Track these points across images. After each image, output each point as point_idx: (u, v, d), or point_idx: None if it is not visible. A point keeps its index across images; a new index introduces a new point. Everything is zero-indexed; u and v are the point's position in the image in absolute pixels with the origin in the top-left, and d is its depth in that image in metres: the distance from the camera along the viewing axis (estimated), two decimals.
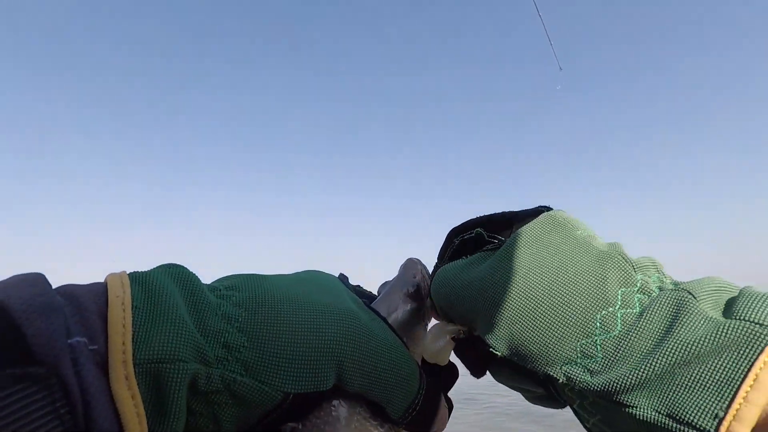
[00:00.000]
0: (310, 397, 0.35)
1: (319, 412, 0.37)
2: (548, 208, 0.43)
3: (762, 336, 0.28)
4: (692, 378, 0.29)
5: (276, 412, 0.34)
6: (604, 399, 0.33)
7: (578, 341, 0.34)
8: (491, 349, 0.38)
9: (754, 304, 0.30)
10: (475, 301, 0.40)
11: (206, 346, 0.31)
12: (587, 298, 0.35)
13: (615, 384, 0.32)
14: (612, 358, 0.33)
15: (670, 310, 0.32)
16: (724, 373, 0.28)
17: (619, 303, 0.34)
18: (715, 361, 0.29)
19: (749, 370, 0.27)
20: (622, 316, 0.34)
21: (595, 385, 0.33)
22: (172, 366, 0.29)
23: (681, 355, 0.30)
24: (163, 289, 0.31)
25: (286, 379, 0.33)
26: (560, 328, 0.35)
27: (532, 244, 0.40)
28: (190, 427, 0.31)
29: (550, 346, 0.35)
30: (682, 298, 0.32)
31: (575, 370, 0.34)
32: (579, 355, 0.34)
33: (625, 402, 0.31)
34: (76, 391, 0.25)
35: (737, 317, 0.29)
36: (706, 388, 0.29)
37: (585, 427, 0.37)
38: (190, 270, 0.35)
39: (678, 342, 0.30)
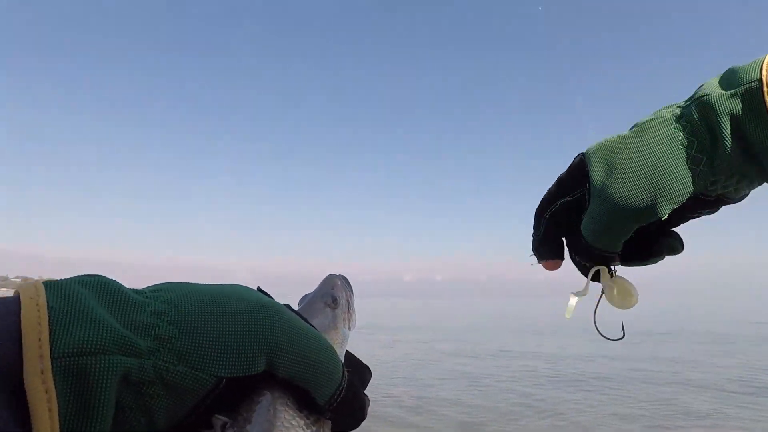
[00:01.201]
0: (241, 384, 0.36)
1: (250, 405, 0.38)
2: (583, 154, 0.53)
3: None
4: None
5: (208, 400, 0.34)
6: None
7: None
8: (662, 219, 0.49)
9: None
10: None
11: (135, 339, 0.31)
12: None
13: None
14: None
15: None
16: None
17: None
18: None
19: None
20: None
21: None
22: (95, 359, 0.28)
23: None
24: (78, 293, 0.31)
25: (219, 364, 0.34)
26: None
27: (610, 171, 0.50)
28: (120, 423, 0.31)
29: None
30: None
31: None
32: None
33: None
34: None
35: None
36: None
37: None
38: (110, 278, 0.35)
39: None
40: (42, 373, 0.27)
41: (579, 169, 0.53)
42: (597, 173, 0.51)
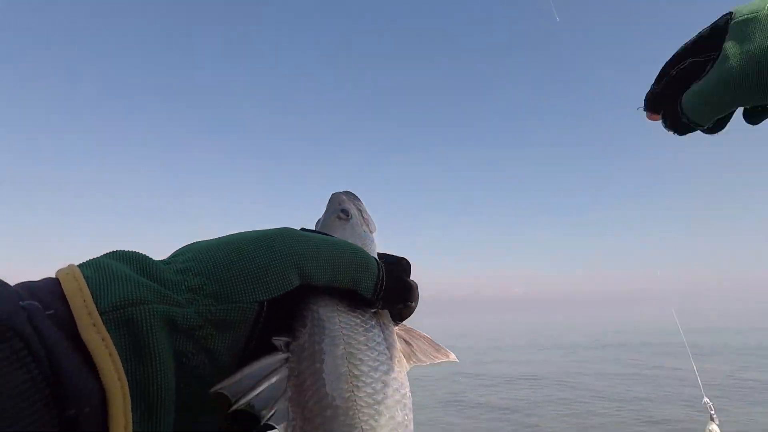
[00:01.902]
0: (286, 305, 0.39)
1: (303, 321, 0.40)
2: (730, 14, 0.52)
3: None
4: None
5: (259, 325, 0.38)
6: None
7: None
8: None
9: None
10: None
11: (170, 292, 0.34)
12: None
13: None
14: None
15: None
16: None
17: None
18: None
19: None
20: None
21: None
22: (138, 308, 0.32)
23: None
24: (107, 263, 0.34)
25: (254, 290, 0.37)
26: None
27: (744, 45, 0.49)
28: (187, 368, 0.35)
29: None
30: None
31: None
32: None
33: None
34: (35, 341, 0.27)
35: None
36: None
37: None
38: (133, 250, 0.38)
39: None
40: (94, 325, 0.30)
41: (719, 32, 0.53)
42: (732, 45, 0.50)
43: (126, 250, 0.38)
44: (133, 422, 0.30)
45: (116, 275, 0.33)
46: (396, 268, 0.45)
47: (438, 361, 0.47)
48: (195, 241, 0.42)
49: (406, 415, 0.40)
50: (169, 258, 0.40)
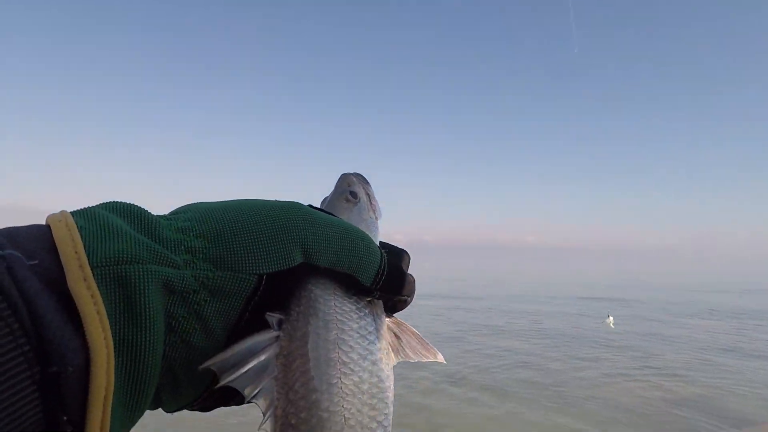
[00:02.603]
0: (284, 282, 0.37)
1: (299, 301, 0.39)
2: None
3: None
4: None
5: (255, 298, 0.36)
6: None
7: None
8: None
9: None
10: None
11: (167, 252, 0.32)
12: None
13: None
14: None
15: None
16: None
17: None
18: None
19: None
20: None
21: None
22: (133, 267, 0.29)
23: None
24: (103, 215, 0.32)
25: (255, 262, 0.36)
26: None
27: None
28: (177, 332, 0.33)
29: None
30: None
31: None
32: None
33: None
34: (15, 293, 0.25)
35: None
36: None
37: None
38: (130, 203, 0.36)
39: None
40: (85, 280, 0.27)
41: None
42: None
43: (123, 201, 0.35)
44: (115, 385, 0.28)
45: (112, 228, 0.31)
46: (397, 260, 0.44)
47: (425, 359, 0.46)
48: (197, 201, 0.40)
49: (388, 407, 0.41)
50: (169, 214, 0.38)
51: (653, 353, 7.53)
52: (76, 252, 0.28)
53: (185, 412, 0.40)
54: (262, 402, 0.36)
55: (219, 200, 0.41)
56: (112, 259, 0.29)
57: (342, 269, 0.40)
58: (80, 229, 0.30)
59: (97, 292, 0.28)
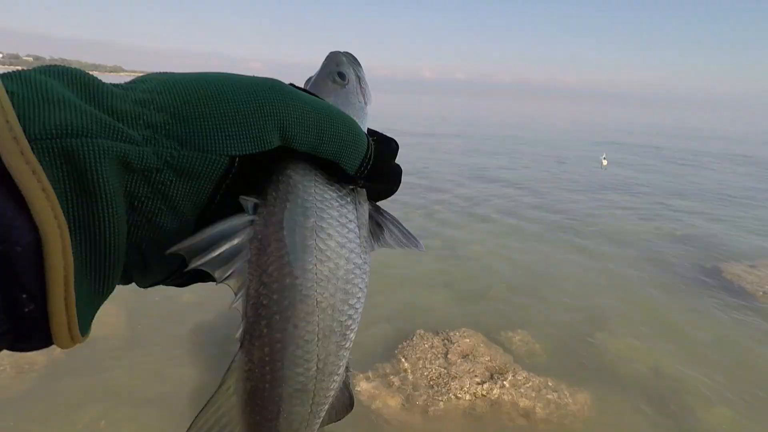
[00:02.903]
0: (260, 165, 0.35)
1: (276, 186, 0.37)
2: None
3: None
4: None
5: (226, 181, 0.33)
6: None
7: None
8: None
9: None
10: None
11: (122, 126, 0.28)
12: None
13: None
14: None
15: None
16: None
17: None
18: None
19: None
20: None
21: None
22: (80, 141, 0.26)
23: None
24: (42, 80, 0.27)
25: (226, 143, 0.32)
26: None
27: None
28: (141, 213, 0.31)
29: None
30: None
31: None
32: None
33: None
34: None
35: None
36: None
37: None
38: (78, 68, 0.31)
39: None
40: (22, 154, 0.24)
41: None
42: None
43: (66, 66, 0.30)
44: (75, 264, 0.26)
45: (52, 96, 0.26)
46: (385, 149, 0.42)
47: (404, 248, 0.45)
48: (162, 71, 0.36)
49: (362, 291, 0.41)
50: (127, 84, 0.33)
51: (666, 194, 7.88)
52: (7, 121, 0.24)
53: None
54: (233, 283, 0.36)
55: (189, 72, 0.36)
56: (54, 132, 0.25)
57: (324, 156, 0.37)
58: (11, 94, 0.25)
59: (38, 167, 0.24)
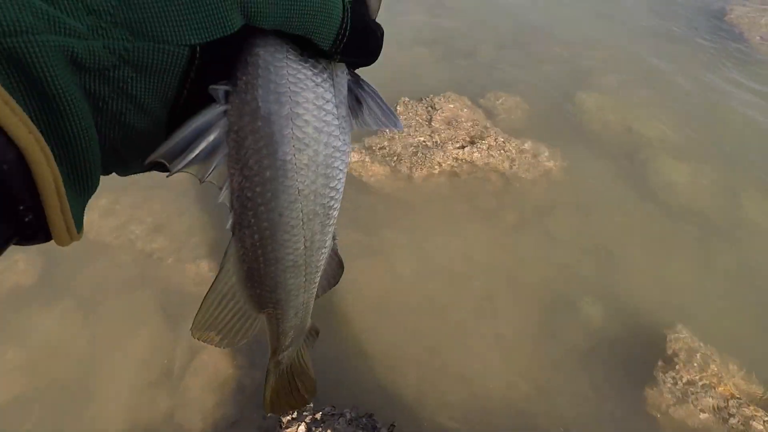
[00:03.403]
0: (222, 48, 0.32)
1: (246, 69, 0.34)
2: None
3: None
4: None
5: (191, 73, 0.31)
6: None
7: None
8: None
9: None
10: None
11: (62, 16, 0.25)
12: None
13: None
14: None
15: None
16: None
17: None
18: None
19: None
20: None
21: None
22: (22, 39, 0.23)
23: None
24: None
25: (182, 29, 0.29)
26: None
27: None
28: (107, 113, 0.29)
29: None
30: None
31: None
32: None
33: None
34: None
35: None
36: None
37: None
38: None
39: None
40: None
41: None
42: None
43: None
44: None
45: None
46: (365, 11, 0.38)
47: (383, 128, 0.44)
48: None
49: (342, 173, 0.42)
50: None
51: None
52: None
53: None
54: (216, 178, 0.36)
55: None
56: None
57: (293, 31, 0.33)
58: None
59: None
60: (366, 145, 2.51)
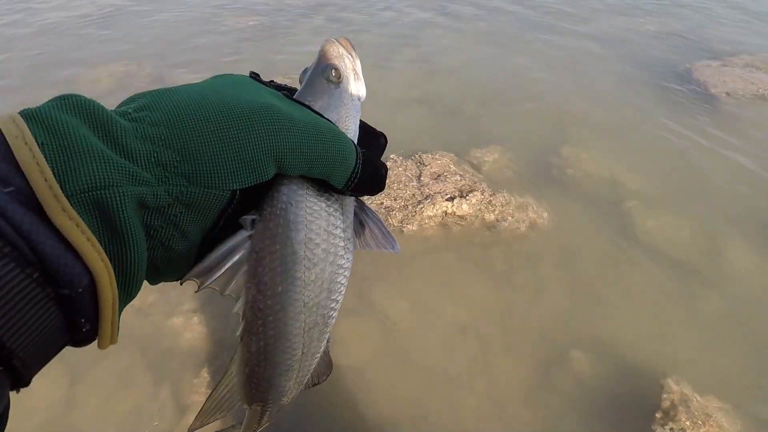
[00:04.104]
0: (258, 189, 0.39)
1: (271, 201, 0.41)
2: None
3: None
4: None
5: (229, 210, 0.38)
6: None
7: None
8: None
9: None
10: None
11: (138, 170, 0.32)
12: None
13: None
14: None
15: None
16: None
17: None
18: None
19: None
20: None
21: None
22: (108, 192, 0.30)
23: None
24: (65, 122, 0.30)
25: (228, 179, 0.36)
26: None
27: None
28: (157, 239, 0.35)
29: None
30: None
31: None
32: None
33: None
34: (8, 229, 0.25)
35: None
36: None
37: None
38: (88, 98, 0.33)
39: None
40: (64, 210, 0.28)
41: None
42: None
43: (79, 96, 0.32)
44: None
45: (81, 148, 0.29)
46: (374, 156, 0.45)
47: (382, 250, 0.49)
48: (160, 88, 0.38)
49: (343, 286, 0.47)
50: (134, 108, 0.36)
51: None
52: (45, 180, 0.27)
53: None
54: (234, 291, 0.41)
55: (182, 87, 0.38)
56: (87, 186, 0.29)
57: (314, 175, 0.41)
58: (42, 146, 0.28)
59: (81, 222, 0.28)
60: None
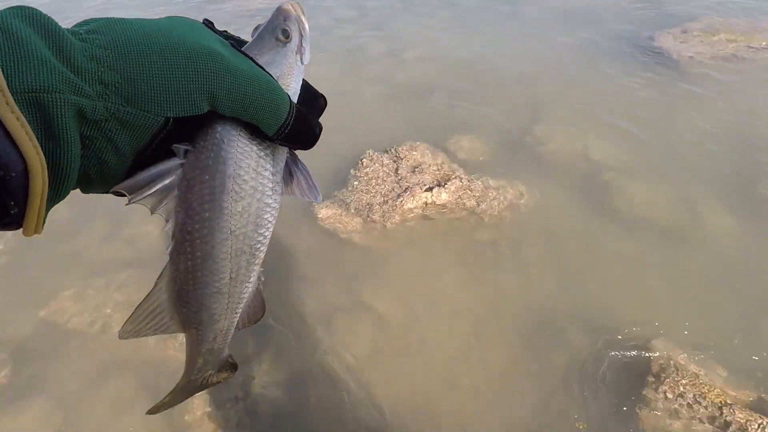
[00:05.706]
0: (191, 123, 0.42)
1: (205, 136, 0.44)
2: None
3: None
4: None
5: (162, 134, 0.41)
6: None
7: None
8: None
9: None
10: None
11: (81, 83, 0.35)
12: None
13: None
14: None
15: None
16: None
17: None
18: None
19: None
20: None
21: None
22: (51, 96, 0.33)
23: None
24: (19, 29, 0.33)
25: (163, 106, 0.39)
26: None
27: None
28: (92, 149, 0.38)
29: None
30: None
31: None
32: None
33: None
34: None
35: None
36: None
37: None
38: (44, 12, 0.36)
39: None
40: (8, 104, 0.30)
41: None
42: None
43: (35, 9, 0.35)
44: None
45: (30, 54, 0.32)
46: (309, 112, 0.49)
47: (306, 198, 0.53)
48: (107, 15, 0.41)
49: (270, 223, 0.51)
50: (85, 30, 0.38)
51: None
52: None
53: None
54: (165, 212, 0.44)
55: (143, 19, 0.41)
56: (31, 88, 0.32)
57: (245, 119, 0.44)
58: None
59: (22, 117, 0.31)
60: (338, 199, 2.57)
